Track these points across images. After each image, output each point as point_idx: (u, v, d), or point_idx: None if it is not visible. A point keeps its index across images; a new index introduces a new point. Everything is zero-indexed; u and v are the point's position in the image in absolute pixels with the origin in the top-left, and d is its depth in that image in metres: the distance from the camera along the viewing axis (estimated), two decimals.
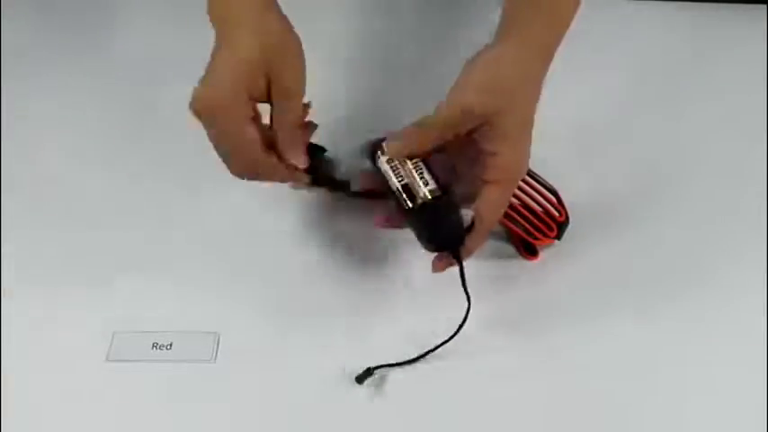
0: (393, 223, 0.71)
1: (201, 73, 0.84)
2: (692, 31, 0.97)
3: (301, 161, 0.69)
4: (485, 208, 0.68)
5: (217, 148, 0.68)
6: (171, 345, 0.71)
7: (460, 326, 0.68)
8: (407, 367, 0.70)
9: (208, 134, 0.67)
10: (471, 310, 0.68)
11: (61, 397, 0.69)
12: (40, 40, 0.98)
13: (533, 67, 0.69)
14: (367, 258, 0.77)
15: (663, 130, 0.87)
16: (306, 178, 0.72)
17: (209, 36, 0.89)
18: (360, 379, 0.69)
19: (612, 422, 0.67)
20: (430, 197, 0.67)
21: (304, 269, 0.76)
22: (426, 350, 0.69)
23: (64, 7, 1.01)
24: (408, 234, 0.73)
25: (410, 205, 0.68)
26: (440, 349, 0.69)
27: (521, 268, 0.76)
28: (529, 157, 0.68)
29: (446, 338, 0.69)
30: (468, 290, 0.68)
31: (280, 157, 0.69)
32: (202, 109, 0.66)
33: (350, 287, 0.75)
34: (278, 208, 0.81)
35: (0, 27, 0.98)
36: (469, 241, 0.68)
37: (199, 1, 0.90)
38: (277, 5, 0.70)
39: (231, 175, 0.69)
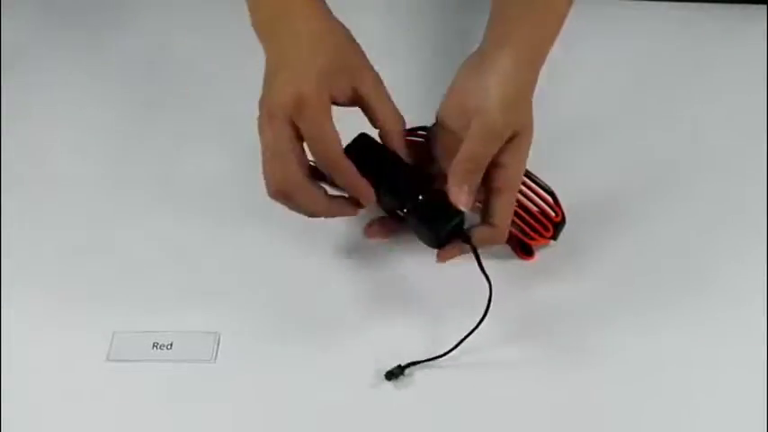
0: (385, 232, 0.73)
1: (202, 71, 0.84)
2: (692, 31, 0.97)
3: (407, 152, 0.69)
4: (500, 217, 0.70)
5: (278, 155, 0.65)
6: (171, 345, 0.71)
7: (486, 311, 0.68)
8: (418, 368, 0.70)
9: (274, 137, 0.65)
10: (467, 316, 0.68)
11: (61, 397, 0.69)
12: (40, 38, 0.98)
13: (533, 76, 0.70)
14: (368, 258, 0.77)
15: (662, 131, 0.87)
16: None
17: (210, 34, 0.89)
18: (390, 375, 0.68)
19: (613, 422, 0.67)
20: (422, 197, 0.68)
21: (305, 269, 0.76)
22: (454, 344, 0.68)
23: (64, 6, 1.01)
24: (407, 234, 0.74)
25: (408, 206, 0.68)
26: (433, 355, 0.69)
27: (517, 269, 0.76)
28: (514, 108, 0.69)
29: (472, 328, 0.68)
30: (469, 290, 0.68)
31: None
32: (287, 104, 0.63)
33: (350, 287, 0.75)
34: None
35: (0, 26, 0.98)
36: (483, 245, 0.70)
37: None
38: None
39: (228, 177, 0.69)
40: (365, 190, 0.68)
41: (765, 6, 0.99)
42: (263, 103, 0.65)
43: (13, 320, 0.73)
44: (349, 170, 0.67)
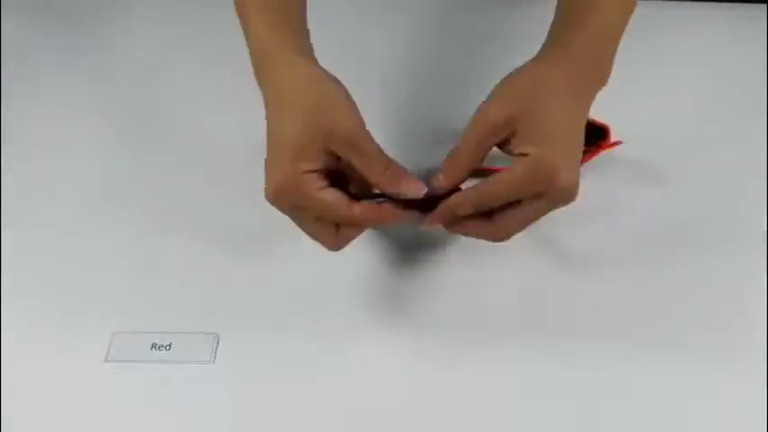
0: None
1: (203, 73, 0.85)
2: (693, 31, 0.97)
3: (418, 187, 0.66)
4: (491, 184, 0.66)
5: (306, 232, 0.68)
6: (170, 345, 0.71)
7: None
8: (409, 368, 0.70)
9: (290, 217, 0.67)
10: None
11: (60, 397, 0.69)
12: (40, 38, 0.98)
13: (555, 72, 0.67)
14: (369, 258, 0.77)
15: (662, 131, 0.87)
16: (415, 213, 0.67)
17: (210, 35, 0.89)
18: None
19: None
20: None
21: (305, 269, 0.76)
22: None
23: (64, 6, 1.01)
24: (410, 236, 0.74)
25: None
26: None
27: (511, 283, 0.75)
28: (572, 172, 0.65)
29: None
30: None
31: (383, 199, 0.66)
32: (274, 198, 0.66)
33: (350, 287, 0.75)
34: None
35: (0, 26, 0.98)
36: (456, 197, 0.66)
37: (199, 0, 0.91)
38: (310, 54, 0.69)
39: (228, 177, 0.69)
40: (389, 215, 0.67)
41: (765, 6, 0.99)
42: (265, 192, 0.66)
43: (12, 321, 0.73)
44: (363, 218, 0.66)
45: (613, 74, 0.87)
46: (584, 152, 0.72)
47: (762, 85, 0.91)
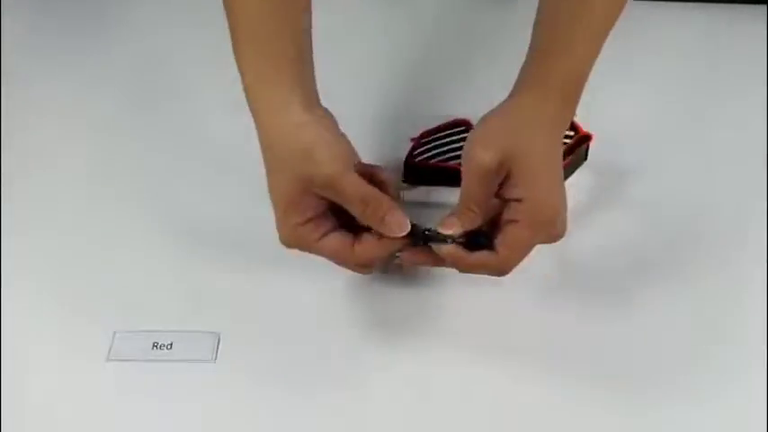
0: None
1: (204, 73, 0.85)
2: (693, 31, 0.97)
3: (399, 226, 0.66)
4: (504, 246, 0.66)
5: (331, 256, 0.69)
6: (171, 345, 0.71)
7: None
8: (407, 369, 0.70)
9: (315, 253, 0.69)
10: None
11: (61, 397, 0.69)
12: (40, 38, 0.98)
13: (535, 111, 0.68)
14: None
15: (661, 131, 0.87)
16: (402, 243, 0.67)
17: (211, 33, 0.89)
18: None
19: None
20: None
21: (305, 269, 0.76)
22: None
23: (64, 6, 1.01)
24: None
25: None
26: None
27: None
28: (566, 208, 0.67)
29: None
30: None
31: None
32: (289, 248, 0.69)
33: (350, 287, 0.75)
34: None
35: (0, 26, 0.98)
36: (472, 262, 0.67)
37: None
38: (301, 91, 0.69)
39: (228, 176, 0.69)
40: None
41: (765, 6, 0.99)
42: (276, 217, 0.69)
43: (13, 320, 0.73)
44: (363, 259, 0.68)
45: (614, 74, 0.87)
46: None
47: (762, 85, 0.91)
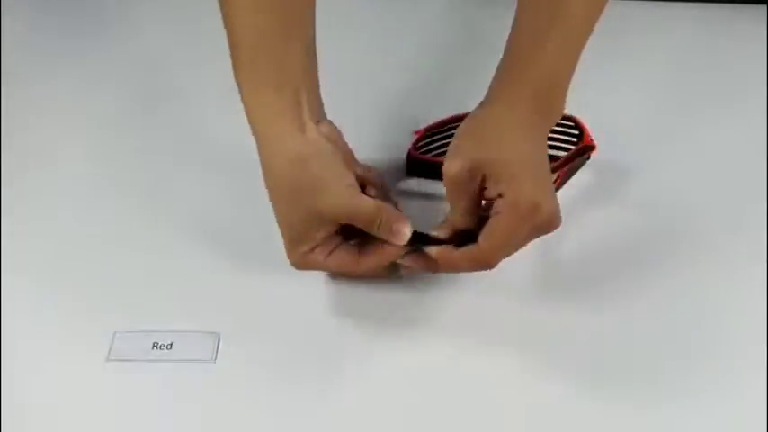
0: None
1: (204, 72, 0.85)
2: (693, 31, 0.97)
3: (407, 234, 0.68)
4: (485, 237, 0.67)
5: (341, 268, 0.71)
6: (171, 345, 0.71)
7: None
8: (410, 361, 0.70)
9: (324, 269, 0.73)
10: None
11: (61, 397, 0.69)
12: (40, 38, 0.98)
13: (512, 115, 0.69)
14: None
15: (661, 130, 0.87)
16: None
17: (212, 33, 0.89)
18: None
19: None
20: None
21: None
22: None
23: (64, 5, 1.01)
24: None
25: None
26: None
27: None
28: (550, 201, 0.68)
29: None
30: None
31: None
32: (300, 269, 0.71)
33: (350, 287, 0.75)
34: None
35: (0, 26, 0.98)
36: (458, 258, 0.68)
37: None
38: (302, 112, 0.70)
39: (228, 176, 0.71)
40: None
41: (765, 6, 0.99)
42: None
43: (13, 320, 0.73)
44: (369, 268, 0.71)
45: (613, 74, 0.87)
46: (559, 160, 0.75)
47: (762, 86, 0.91)
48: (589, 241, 0.78)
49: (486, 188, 0.67)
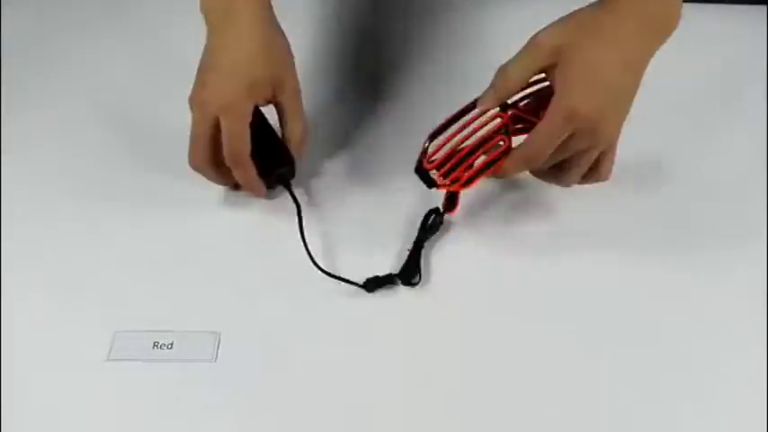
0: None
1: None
2: (693, 31, 0.97)
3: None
4: (529, 134, 0.71)
5: (200, 138, 0.75)
6: (172, 344, 0.71)
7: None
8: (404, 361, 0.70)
9: (199, 125, 0.74)
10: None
11: (61, 397, 0.69)
12: (40, 37, 0.98)
13: (617, 20, 0.70)
14: (368, 257, 0.77)
15: (662, 131, 0.87)
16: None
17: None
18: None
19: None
20: None
21: (305, 268, 0.76)
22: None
23: (64, 5, 1.01)
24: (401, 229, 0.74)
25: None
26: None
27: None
28: (594, 111, 0.69)
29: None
30: None
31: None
32: (216, 104, 0.73)
33: (350, 287, 0.75)
34: (279, 208, 0.81)
35: (0, 26, 0.98)
36: (507, 160, 0.72)
37: None
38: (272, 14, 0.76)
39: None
40: (258, 189, 0.78)
41: (765, 6, 0.99)
42: (196, 94, 0.74)
43: (13, 320, 0.73)
44: (249, 171, 0.76)
45: None
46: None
47: (762, 86, 0.91)
48: (588, 241, 0.78)
49: (552, 67, 0.70)
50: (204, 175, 0.78)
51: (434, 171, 0.74)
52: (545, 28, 0.70)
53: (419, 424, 0.67)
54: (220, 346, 0.71)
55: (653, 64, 0.83)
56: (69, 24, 1.00)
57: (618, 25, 0.70)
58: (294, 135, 0.78)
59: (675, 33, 0.96)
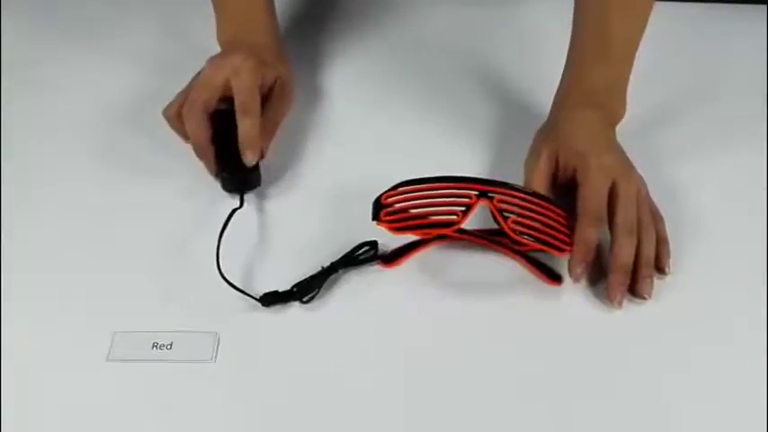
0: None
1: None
2: (693, 31, 0.97)
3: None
4: (581, 197, 0.76)
5: (200, 89, 0.81)
6: (171, 344, 0.71)
7: None
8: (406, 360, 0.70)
9: (213, 77, 0.81)
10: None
11: (62, 396, 0.69)
12: (40, 38, 0.98)
13: (573, 112, 0.81)
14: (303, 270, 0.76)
15: (662, 131, 0.87)
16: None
17: (212, 32, 0.90)
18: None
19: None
20: None
21: (305, 268, 0.76)
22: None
23: (64, 5, 1.02)
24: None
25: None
26: None
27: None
28: (602, 155, 0.77)
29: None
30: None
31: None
32: (225, 65, 0.82)
33: (350, 287, 0.75)
34: (279, 208, 0.81)
35: (0, 25, 0.98)
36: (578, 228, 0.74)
37: None
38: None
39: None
40: (206, 155, 0.82)
41: (765, 6, 0.99)
42: (214, 59, 0.84)
43: (13, 320, 0.73)
44: (256, 124, 0.81)
45: None
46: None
47: (762, 86, 0.91)
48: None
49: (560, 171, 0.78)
50: (173, 126, 0.82)
51: (386, 208, 0.73)
52: (527, 159, 0.81)
53: (419, 422, 0.67)
54: (220, 346, 0.71)
55: (653, 64, 0.84)
56: (69, 24, 1.00)
57: (577, 109, 0.81)
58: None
59: (675, 33, 0.96)
